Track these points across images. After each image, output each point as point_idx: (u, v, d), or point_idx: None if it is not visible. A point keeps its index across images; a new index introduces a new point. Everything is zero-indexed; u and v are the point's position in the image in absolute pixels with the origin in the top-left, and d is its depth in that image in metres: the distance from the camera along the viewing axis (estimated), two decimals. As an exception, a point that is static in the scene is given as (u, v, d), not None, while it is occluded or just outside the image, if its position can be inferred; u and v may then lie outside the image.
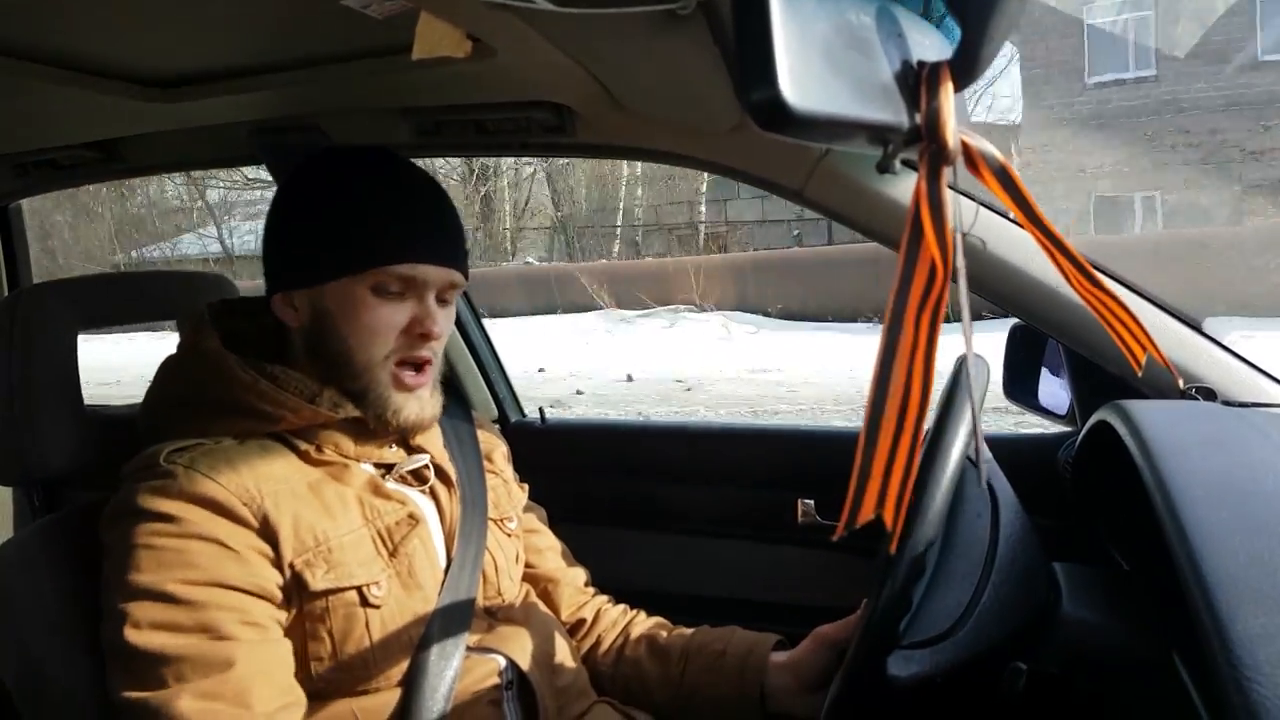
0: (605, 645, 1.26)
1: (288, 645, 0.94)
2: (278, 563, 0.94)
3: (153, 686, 0.86)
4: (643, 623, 1.29)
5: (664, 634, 1.26)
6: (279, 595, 0.94)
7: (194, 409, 1.01)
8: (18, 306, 1.07)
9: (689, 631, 1.26)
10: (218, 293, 1.28)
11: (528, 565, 1.26)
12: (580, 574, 1.32)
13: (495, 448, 1.27)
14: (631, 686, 1.23)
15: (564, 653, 1.15)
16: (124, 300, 1.24)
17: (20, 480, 1.09)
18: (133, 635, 0.87)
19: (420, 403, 1.05)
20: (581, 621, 1.28)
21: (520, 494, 1.28)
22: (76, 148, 1.43)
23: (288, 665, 0.93)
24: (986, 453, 0.96)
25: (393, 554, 1.01)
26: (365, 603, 0.97)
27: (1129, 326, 0.63)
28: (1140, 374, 0.74)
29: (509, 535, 1.19)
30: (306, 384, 1.02)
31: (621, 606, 1.32)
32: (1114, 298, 0.61)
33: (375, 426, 1.04)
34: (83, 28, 0.97)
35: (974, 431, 0.53)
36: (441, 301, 1.05)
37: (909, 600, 0.88)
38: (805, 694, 1.13)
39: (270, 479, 0.96)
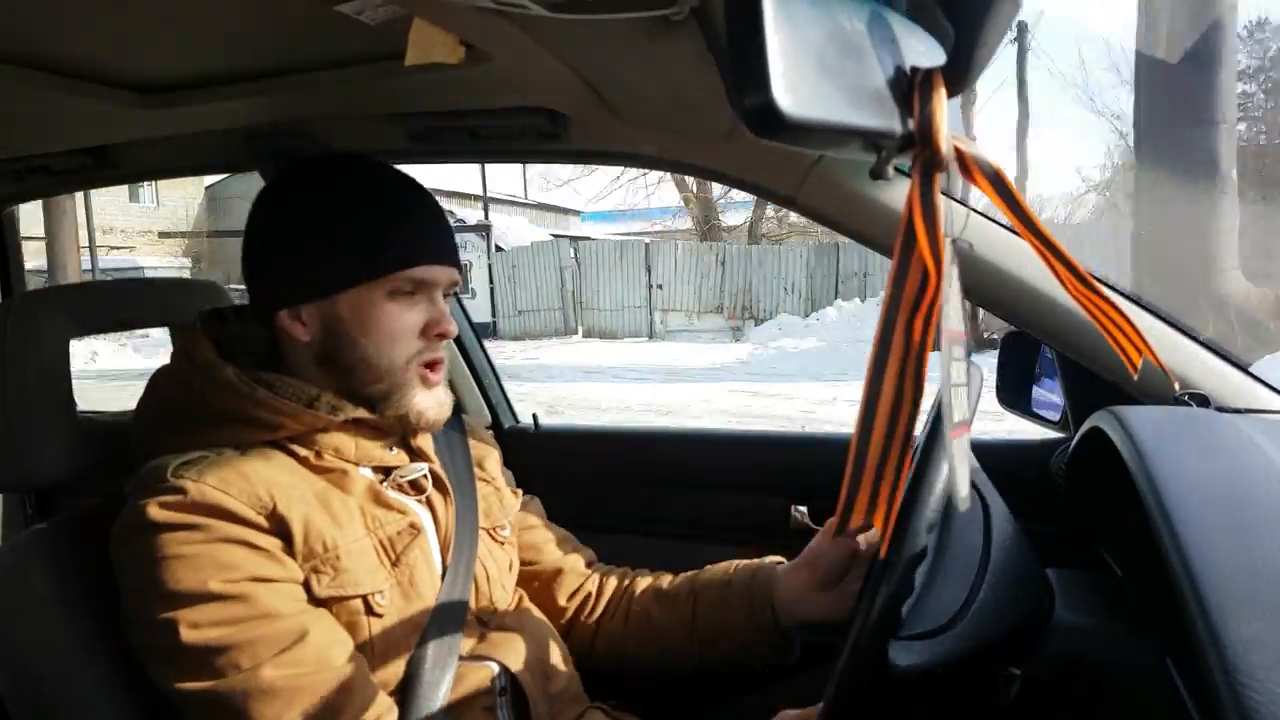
0: (613, 608, 1.27)
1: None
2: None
3: (229, 673, 0.86)
4: (644, 579, 1.29)
5: (666, 582, 1.27)
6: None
7: (191, 418, 1.00)
8: (10, 314, 1.07)
9: (691, 574, 1.26)
10: (210, 300, 1.27)
11: (529, 563, 1.26)
12: (582, 557, 1.32)
13: (487, 454, 1.27)
14: (646, 638, 1.23)
15: (557, 659, 1.15)
16: (116, 307, 1.23)
17: (13, 487, 1.09)
18: (192, 635, 0.86)
19: (440, 404, 1.06)
20: (588, 597, 1.28)
21: (513, 500, 1.27)
22: (70, 153, 1.43)
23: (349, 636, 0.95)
24: (974, 462, 0.96)
25: (395, 563, 1.01)
26: (370, 611, 0.97)
27: (1125, 330, 0.63)
28: (1136, 378, 0.74)
29: (500, 544, 1.19)
30: (303, 389, 1.01)
31: (622, 570, 1.32)
32: (1109, 302, 0.61)
33: (389, 427, 1.05)
34: (76, 33, 0.97)
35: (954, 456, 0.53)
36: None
37: (910, 588, 0.88)
38: (818, 591, 1.14)
39: (279, 485, 0.96)
